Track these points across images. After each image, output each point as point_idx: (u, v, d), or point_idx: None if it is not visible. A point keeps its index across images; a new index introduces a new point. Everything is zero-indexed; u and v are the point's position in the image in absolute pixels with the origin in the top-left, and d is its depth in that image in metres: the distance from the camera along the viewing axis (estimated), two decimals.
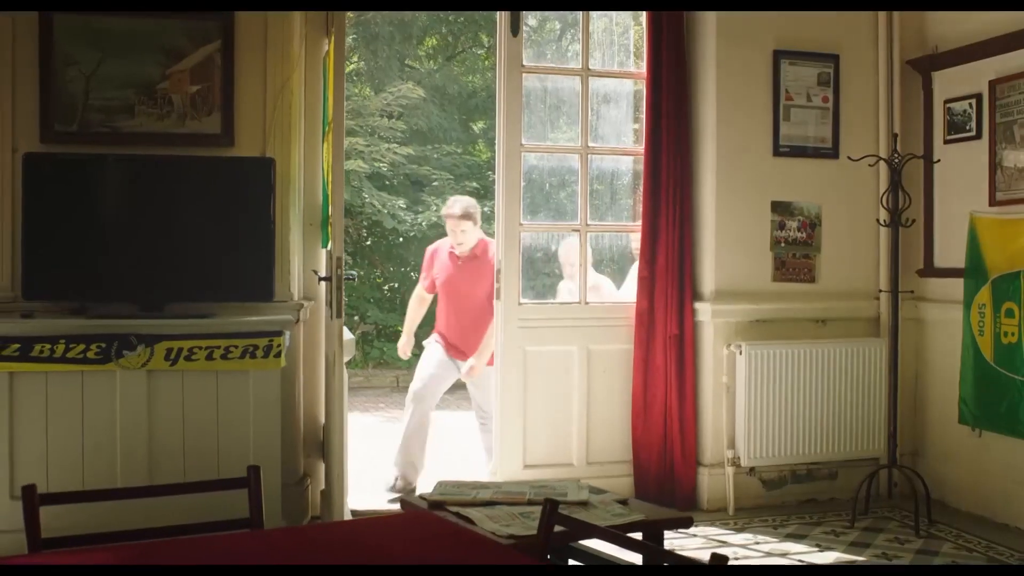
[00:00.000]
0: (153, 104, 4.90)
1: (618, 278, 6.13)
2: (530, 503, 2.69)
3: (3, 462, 4.50)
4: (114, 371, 4.54)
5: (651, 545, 2.14)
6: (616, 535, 2.00)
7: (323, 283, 4.92)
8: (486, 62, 14.55)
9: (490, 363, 5.88)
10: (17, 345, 4.47)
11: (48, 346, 4.49)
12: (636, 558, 2.50)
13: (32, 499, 2.13)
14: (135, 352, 4.54)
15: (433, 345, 6.22)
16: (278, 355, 4.65)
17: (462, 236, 6.07)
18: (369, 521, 2.29)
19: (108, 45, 4.84)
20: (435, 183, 12.35)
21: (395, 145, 12.16)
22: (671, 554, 1.96)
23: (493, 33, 13.91)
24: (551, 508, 2.03)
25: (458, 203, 6.16)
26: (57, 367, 4.51)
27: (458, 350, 6.12)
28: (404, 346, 6.49)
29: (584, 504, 2.90)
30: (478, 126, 14.15)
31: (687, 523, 2.81)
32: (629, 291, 5.83)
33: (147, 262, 4.74)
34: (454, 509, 2.61)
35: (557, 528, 2.08)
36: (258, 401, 4.65)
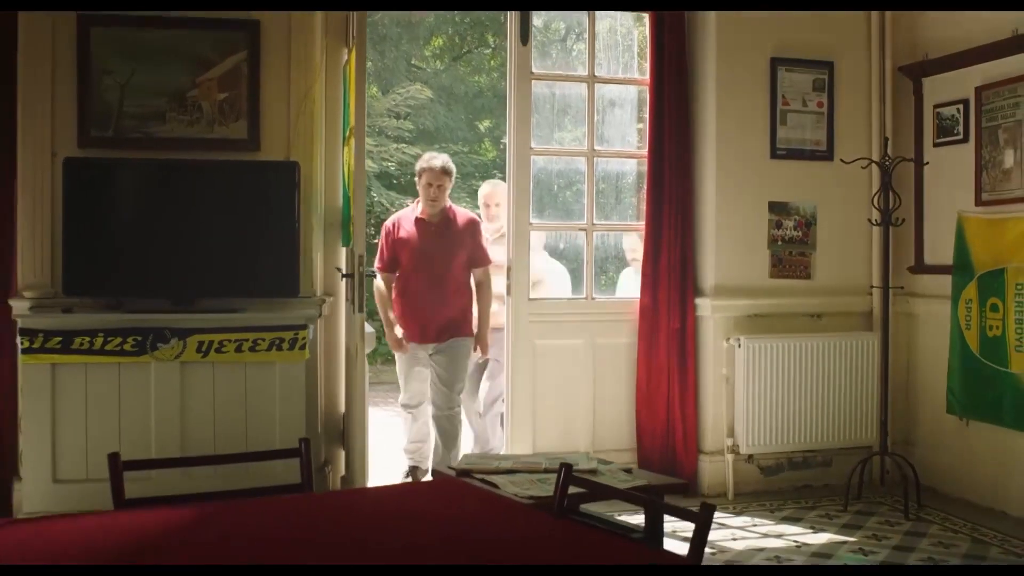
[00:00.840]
0: (183, 111, 5.27)
1: (628, 276, 6.47)
2: (546, 471, 3.04)
3: (46, 447, 4.88)
4: (149, 362, 4.92)
5: (654, 499, 2.50)
6: (624, 492, 2.36)
7: (344, 279, 5.28)
8: (492, 62, 14.92)
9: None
10: (59, 338, 4.85)
11: (88, 339, 4.88)
12: (638, 519, 2.85)
13: (116, 465, 2.50)
14: (169, 345, 4.92)
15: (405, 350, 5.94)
16: (303, 347, 5.03)
17: (437, 193, 5.81)
18: (409, 485, 2.66)
19: (141, 56, 5.21)
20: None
21: (403, 145, 12.54)
22: (669, 506, 2.34)
23: (499, 34, 14.33)
24: (566, 471, 2.41)
25: (438, 157, 5.96)
26: (96, 359, 4.89)
27: (429, 333, 5.83)
28: (396, 341, 5.94)
29: (593, 472, 3.25)
30: (484, 125, 14.52)
31: (683, 488, 3.16)
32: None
33: (179, 260, 5.12)
34: (479, 476, 2.97)
35: (572, 490, 2.46)
36: (284, 391, 5.03)
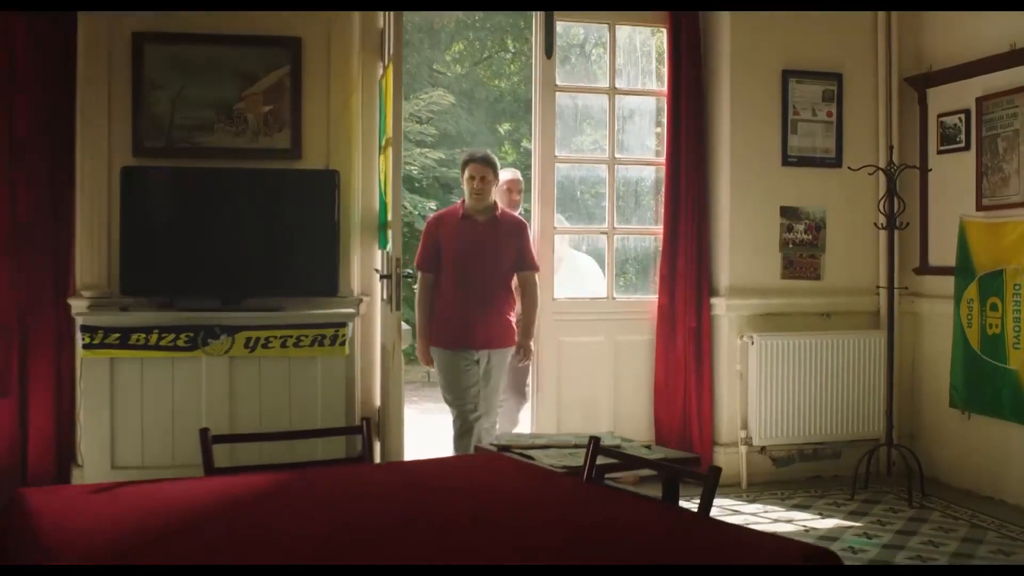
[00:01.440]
0: (230, 122, 5.72)
1: (641, 278, 6.89)
2: (575, 446, 3.45)
3: (105, 436, 5.33)
4: (200, 357, 5.37)
5: (671, 465, 2.93)
6: (645, 459, 2.78)
7: (382, 280, 5.71)
8: (512, 67, 15.37)
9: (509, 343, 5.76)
10: (117, 335, 5.30)
11: (143, 335, 5.32)
12: (655, 491, 3.26)
13: (207, 439, 2.94)
14: (219, 340, 5.36)
15: (445, 353, 5.78)
16: (343, 343, 5.47)
17: (481, 187, 5.70)
18: (457, 458, 3.09)
19: (191, 71, 5.66)
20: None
21: (426, 149, 12.98)
22: (682, 470, 2.76)
23: (519, 39, 14.78)
24: (595, 443, 2.83)
25: (482, 150, 6.01)
26: (151, 354, 5.33)
27: (471, 336, 5.71)
28: (423, 351, 5.89)
29: (617, 447, 3.67)
30: (504, 128, 14.96)
31: (697, 463, 3.56)
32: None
33: (227, 261, 5.56)
34: (518, 451, 3.39)
35: (600, 461, 2.88)
36: (325, 384, 5.46)
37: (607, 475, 3.12)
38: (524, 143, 13.98)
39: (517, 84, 14.99)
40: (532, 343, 5.94)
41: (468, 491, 2.64)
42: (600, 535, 2.25)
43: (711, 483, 2.53)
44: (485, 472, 2.86)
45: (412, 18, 12.34)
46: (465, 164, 5.82)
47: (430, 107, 13.29)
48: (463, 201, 5.85)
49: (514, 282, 5.89)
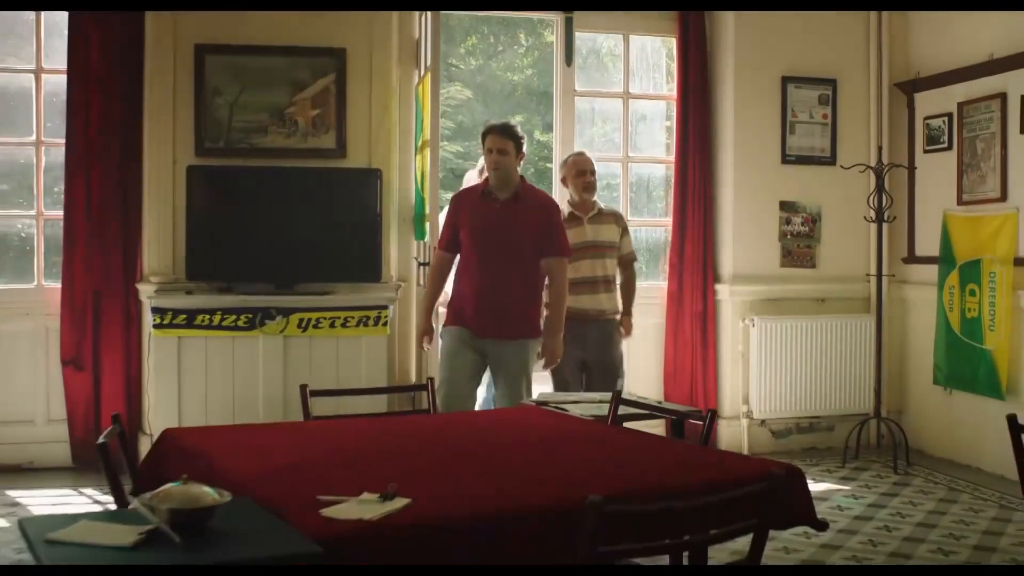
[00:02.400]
0: (282, 125, 6.51)
1: (652, 266, 7.67)
2: (601, 402, 4.23)
3: (172, 407, 6.13)
4: (258, 336, 6.17)
5: (678, 410, 3.74)
6: (658, 407, 3.60)
7: (420, 267, 6.49)
8: (525, 60, 16.15)
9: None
10: (184, 316, 6.11)
11: (207, 316, 6.13)
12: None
13: (305, 393, 3.75)
14: (275, 321, 6.17)
15: (447, 331, 5.52)
16: (385, 324, 6.27)
17: (499, 159, 5.36)
18: (503, 410, 3.91)
19: (247, 79, 6.45)
20: None
21: (444, 143, 13.77)
22: (686, 412, 3.58)
23: (532, 33, 15.55)
24: (617, 396, 3.62)
25: (501, 120, 5.71)
26: (214, 333, 6.14)
27: (487, 325, 5.38)
28: (422, 332, 5.69)
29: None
30: (516, 120, 15.74)
31: (699, 415, 4.32)
32: None
33: (280, 250, 6.36)
34: (552, 405, 4.18)
35: (621, 411, 3.68)
36: (369, 361, 6.26)
37: (624, 423, 3.90)
38: (537, 134, 14.78)
39: (530, 77, 15.77)
40: (558, 341, 5.48)
41: (515, 430, 3.45)
42: (622, 457, 3.04)
43: (708, 422, 3.33)
44: (527, 419, 3.68)
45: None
46: (483, 136, 5.53)
47: (447, 101, 14.08)
48: (487, 178, 5.58)
49: None
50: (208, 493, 2.35)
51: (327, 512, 2.42)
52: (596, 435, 3.41)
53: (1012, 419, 3.35)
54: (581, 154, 6.37)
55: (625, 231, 6.35)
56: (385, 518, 2.38)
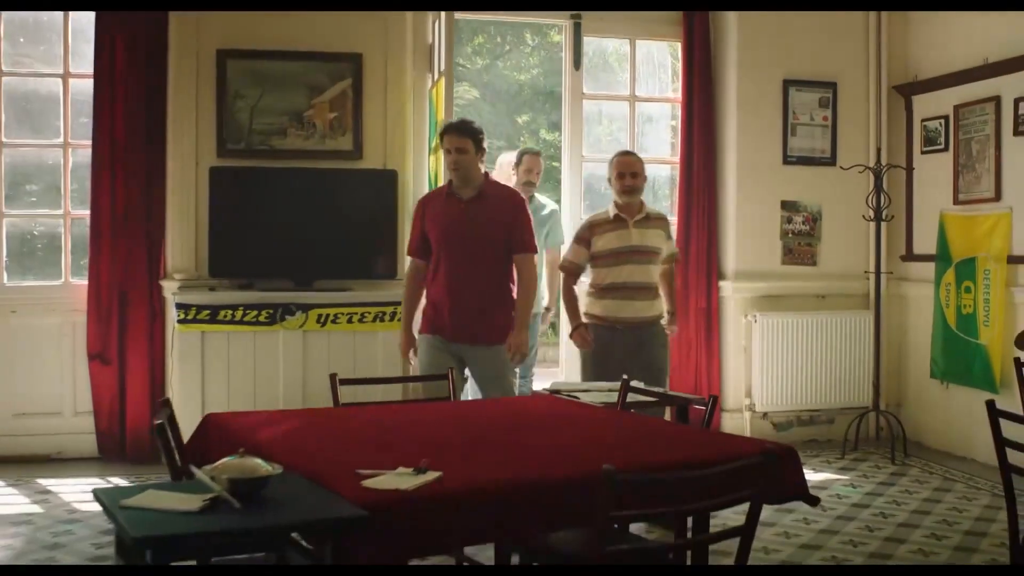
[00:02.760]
0: (301, 128, 6.82)
1: None
2: (610, 391, 4.53)
3: (196, 398, 6.44)
4: (278, 331, 6.49)
5: (683, 397, 4.07)
6: (663, 394, 3.91)
7: None
8: (531, 59, 16.44)
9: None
10: (207, 311, 6.42)
11: (230, 312, 6.44)
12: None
13: (335, 381, 4.06)
14: (294, 316, 6.48)
15: (422, 339, 5.42)
16: (400, 319, 6.57)
17: (458, 159, 5.24)
18: (520, 397, 4.23)
19: (267, 83, 6.76)
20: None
21: None
22: (689, 399, 3.90)
23: (538, 32, 15.84)
24: (626, 383, 3.93)
25: (458, 119, 5.57)
26: (236, 328, 6.46)
27: (460, 330, 5.28)
28: (404, 344, 5.55)
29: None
30: (523, 119, 16.05)
31: (701, 402, 4.62)
32: None
33: (300, 248, 6.67)
34: (564, 394, 4.48)
35: (629, 399, 3.99)
36: (384, 354, 6.56)
37: (632, 410, 4.21)
38: (542, 133, 15.09)
39: (536, 77, 16.06)
40: (523, 337, 5.30)
41: (531, 414, 3.77)
42: (631, 436, 3.35)
43: (711, 407, 3.64)
44: (542, 405, 3.99)
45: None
46: (441, 135, 5.44)
47: (456, 101, 14.35)
48: (451, 180, 5.44)
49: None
50: (262, 465, 2.66)
51: (367, 483, 2.72)
52: (606, 418, 3.72)
53: (991, 404, 3.65)
54: (625, 154, 6.13)
55: (671, 235, 6.23)
56: (419, 488, 2.69)
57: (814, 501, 3.36)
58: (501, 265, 5.32)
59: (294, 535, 2.67)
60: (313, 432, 3.45)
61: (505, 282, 5.34)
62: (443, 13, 6.44)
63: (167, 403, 3.39)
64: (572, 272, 6.02)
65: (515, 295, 5.36)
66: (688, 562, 3.12)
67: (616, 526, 3.17)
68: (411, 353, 5.50)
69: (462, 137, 5.27)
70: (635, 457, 2.99)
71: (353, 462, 2.91)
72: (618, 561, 2.96)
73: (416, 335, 5.48)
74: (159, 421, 3.15)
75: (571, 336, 5.99)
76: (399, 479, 2.75)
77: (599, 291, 5.92)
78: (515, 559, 3.56)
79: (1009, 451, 3.62)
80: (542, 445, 3.26)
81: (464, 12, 7.03)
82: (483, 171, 5.41)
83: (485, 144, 5.41)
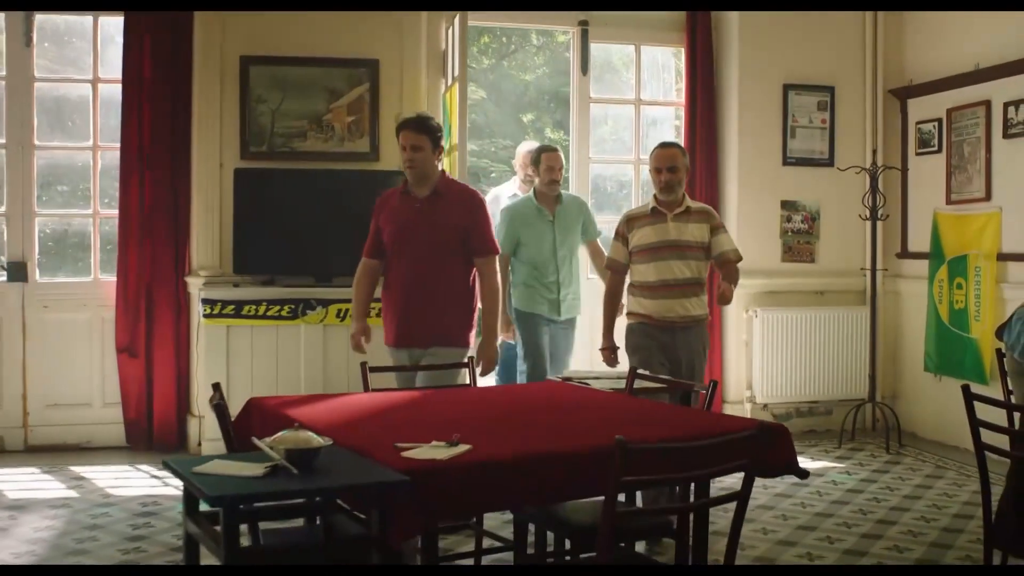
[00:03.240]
0: (320, 131, 7.22)
1: None
2: (619, 377, 4.93)
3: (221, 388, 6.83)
4: (300, 325, 6.88)
5: (688, 384, 4.48)
6: (669, 380, 4.34)
7: None
8: (537, 59, 16.84)
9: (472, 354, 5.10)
10: (232, 306, 6.82)
11: (254, 307, 6.84)
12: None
13: (365, 369, 4.46)
14: (315, 311, 6.88)
15: (389, 352, 5.34)
16: None
17: (412, 157, 5.06)
18: (532, 384, 4.63)
19: (288, 88, 7.16)
20: (492, 175, 14.71)
21: None
22: (692, 385, 4.30)
23: (543, 33, 16.24)
24: (633, 370, 4.33)
25: (416, 113, 5.48)
26: (260, 322, 6.86)
27: (415, 335, 5.13)
28: (355, 334, 5.43)
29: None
30: (527, 118, 16.45)
31: (704, 387, 4.99)
32: None
33: (319, 246, 7.06)
34: (575, 381, 4.87)
35: (636, 385, 4.39)
36: None
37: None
38: (548, 132, 15.49)
39: (541, 77, 16.45)
40: (492, 349, 5.21)
41: (547, 398, 4.17)
42: (637, 416, 3.75)
43: (711, 391, 4.03)
44: (556, 390, 4.40)
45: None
46: (397, 131, 5.24)
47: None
48: (406, 179, 5.29)
49: None
50: (314, 438, 3.06)
51: (406, 454, 3.11)
52: (616, 401, 4.12)
53: (965, 388, 4.05)
54: (663, 147, 5.72)
55: (718, 229, 5.71)
56: (452, 459, 3.08)
57: (803, 474, 3.74)
58: (459, 267, 5.16)
59: (342, 503, 3.07)
60: (349, 412, 3.84)
61: (461, 285, 5.17)
62: (456, 20, 6.83)
63: (218, 387, 3.78)
64: (615, 269, 5.77)
65: (476, 299, 5.24)
66: (690, 526, 3.51)
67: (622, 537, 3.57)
68: (363, 341, 5.38)
69: (418, 134, 5.07)
70: (642, 432, 3.37)
71: (391, 437, 3.30)
72: (627, 524, 3.36)
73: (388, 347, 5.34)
74: (217, 402, 3.55)
75: (600, 350, 5.84)
76: (434, 451, 3.14)
77: (638, 288, 5.66)
78: (532, 529, 3.97)
79: (984, 432, 4.00)
80: (558, 423, 3.66)
81: (476, 19, 7.41)
82: (440, 169, 5.30)
83: (444, 143, 5.32)
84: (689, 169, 5.85)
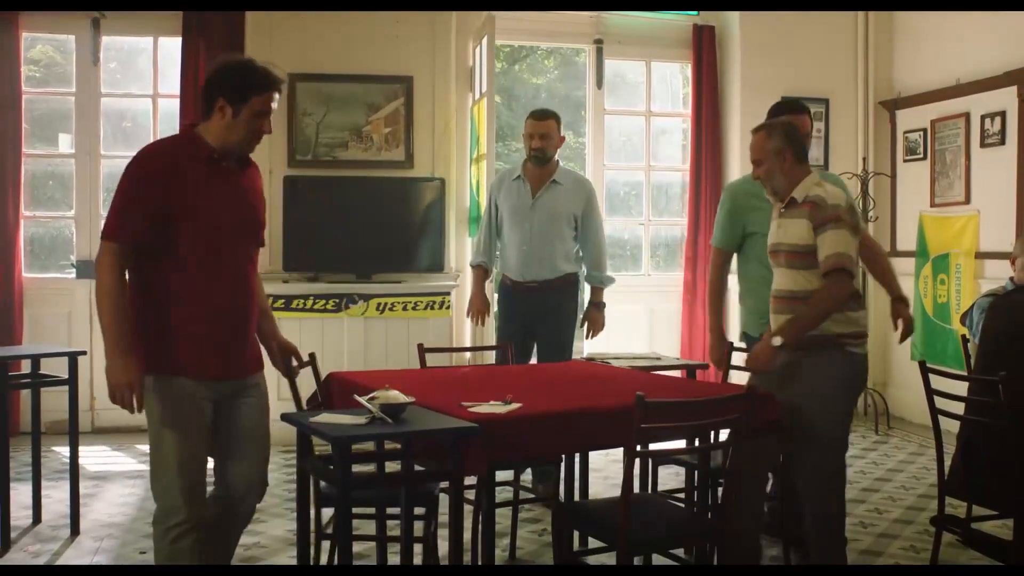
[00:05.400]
0: (360, 141, 8.22)
1: (670, 259, 9.35)
2: (635, 358, 5.92)
3: (271, 378, 7.81)
4: (343, 318, 7.87)
5: (695, 365, 5.50)
6: (678, 363, 5.36)
7: None
8: (548, 62, 17.83)
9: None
10: (282, 300, 7.82)
11: (301, 301, 7.84)
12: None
13: (422, 351, 5.46)
14: (357, 305, 7.88)
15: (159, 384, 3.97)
16: (448, 307, 7.97)
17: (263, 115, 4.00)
18: (563, 362, 5.65)
19: (331, 102, 8.17)
20: None
21: None
22: (700, 365, 5.30)
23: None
24: (648, 356, 5.32)
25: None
26: (307, 315, 7.85)
27: (221, 364, 4.07)
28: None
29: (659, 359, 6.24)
30: None
31: (707, 367, 6.01)
32: None
33: (361, 246, 8.06)
34: (599, 360, 5.86)
35: (651, 364, 5.40)
36: (434, 338, 7.91)
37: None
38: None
39: (552, 81, 17.44)
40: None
41: (576, 372, 5.18)
42: (654, 383, 4.75)
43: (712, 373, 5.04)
44: (584, 367, 5.41)
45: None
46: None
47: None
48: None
49: None
50: (401, 395, 4.04)
51: (472, 410, 4.10)
52: (635, 375, 5.12)
53: (922, 364, 5.04)
54: (756, 131, 4.65)
55: (825, 225, 4.29)
56: (508, 413, 4.06)
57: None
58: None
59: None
60: (415, 382, 4.83)
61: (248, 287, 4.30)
62: (484, 41, 7.83)
63: (313, 356, 4.79)
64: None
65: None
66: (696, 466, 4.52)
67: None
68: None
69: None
70: (657, 394, 4.36)
71: (457, 398, 4.29)
72: (645, 464, 4.35)
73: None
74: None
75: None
76: (493, 408, 4.12)
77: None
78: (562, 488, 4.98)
79: (941, 401, 4.99)
80: (588, 389, 4.66)
81: (500, 39, 8.40)
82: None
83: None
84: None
